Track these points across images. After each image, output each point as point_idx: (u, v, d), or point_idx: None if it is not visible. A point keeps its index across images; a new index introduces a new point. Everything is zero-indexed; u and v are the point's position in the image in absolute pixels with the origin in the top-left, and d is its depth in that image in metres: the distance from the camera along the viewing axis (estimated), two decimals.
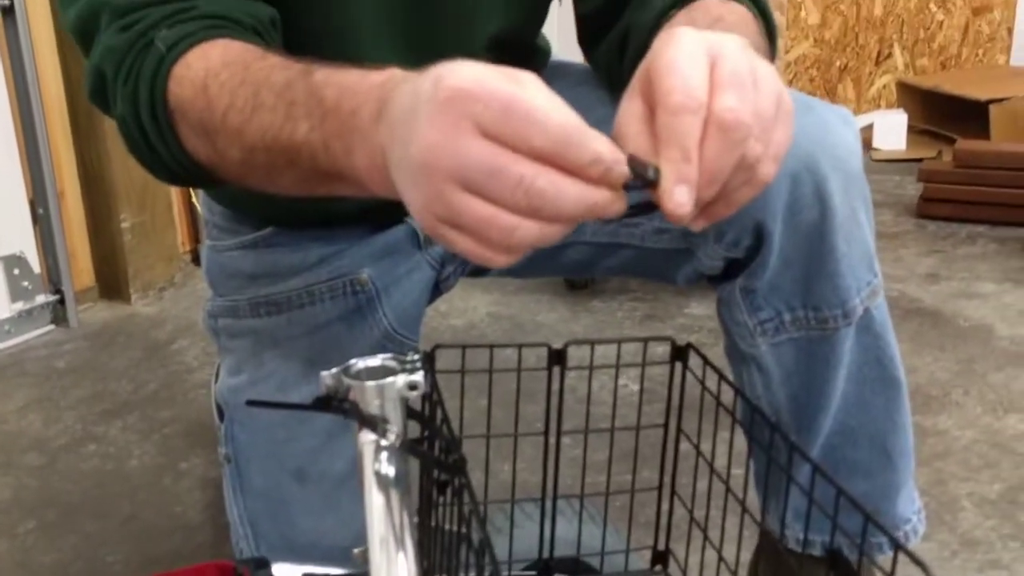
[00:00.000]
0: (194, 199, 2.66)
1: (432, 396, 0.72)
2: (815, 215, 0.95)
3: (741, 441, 0.91)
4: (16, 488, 1.67)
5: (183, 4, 0.81)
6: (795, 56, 3.87)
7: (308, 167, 0.71)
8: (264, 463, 1.10)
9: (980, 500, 1.56)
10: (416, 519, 0.68)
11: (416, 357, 0.69)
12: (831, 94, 4.00)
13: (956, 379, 1.98)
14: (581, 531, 0.97)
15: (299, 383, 1.08)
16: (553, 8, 1.12)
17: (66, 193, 2.40)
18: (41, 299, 2.34)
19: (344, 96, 0.67)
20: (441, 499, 0.69)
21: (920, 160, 3.34)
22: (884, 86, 4.25)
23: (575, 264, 1.12)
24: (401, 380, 0.66)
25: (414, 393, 0.67)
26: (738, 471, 0.89)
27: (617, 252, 1.09)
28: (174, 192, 2.61)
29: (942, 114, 3.85)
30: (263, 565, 0.85)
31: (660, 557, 0.95)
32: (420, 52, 0.72)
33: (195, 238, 2.73)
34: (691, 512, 0.90)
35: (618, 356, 0.91)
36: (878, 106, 4.23)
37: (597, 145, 0.56)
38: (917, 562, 0.53)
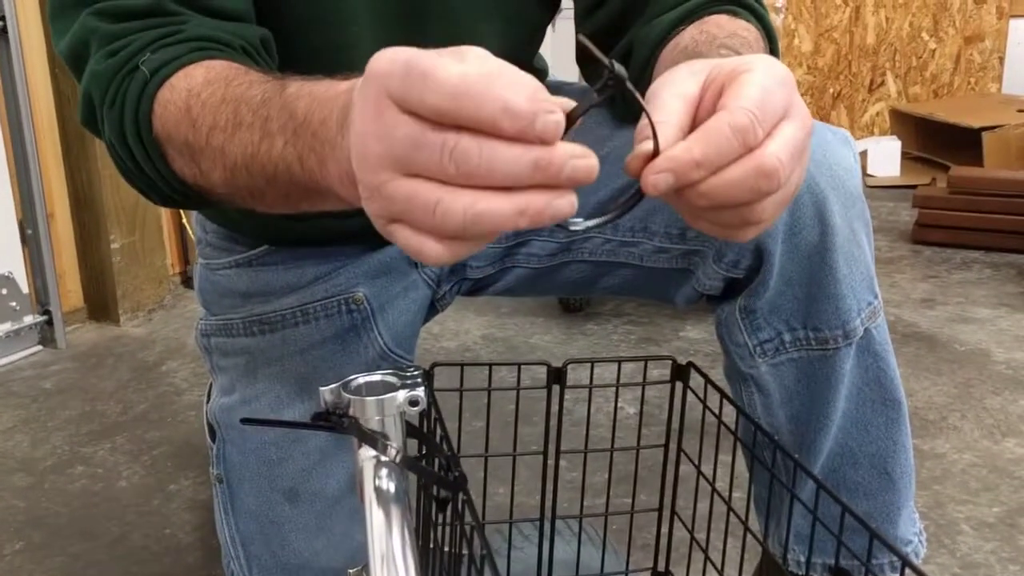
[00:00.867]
0: (184, 221, 2.65)
1: (431, 413, 0.71)
2: (815, 235, 0.94)
3: (740, 463, 0.90)
4: (3, 509, 1.65)
5: (169, 28, 0.80)
6: None
7: (287, 183, 0.69)
8: (256, 483, 1.08)
9: (979, 523, 1.55)
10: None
11: (416, 372, 0.68)
12: (824, 121, 4.01)
13: (953, 403, 1.97)
14: (580, 552, 0.96)
15: (293, 402, 1.07)
16: (548, 29, 1.11)
17: (56, 214, 2.39)
18: (29, 320, 2.32)
19: (313, 107, 0.65)
20: (440, 517, 0.68)
21: (914, 187, 3.35)
22: (877, 113, 4.27)
23: (573, 283, 1.11)
24: (402, 396, 0.65)
25: (414, 409, 0.66)
26: (738, 494, 0.88)
27: (616, 271, 1.08)
28: (164, 214, 2.61)
29: (935, 142, 3.87)
30: None
31: None
32: None
33: (185, 260, 2.72)
34: (692, 533, 0.89)
35: (618, 374, 0.90)
36: (871, 133, 4.26)
37: (507, 94, 0.49)
38: None
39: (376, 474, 0.63)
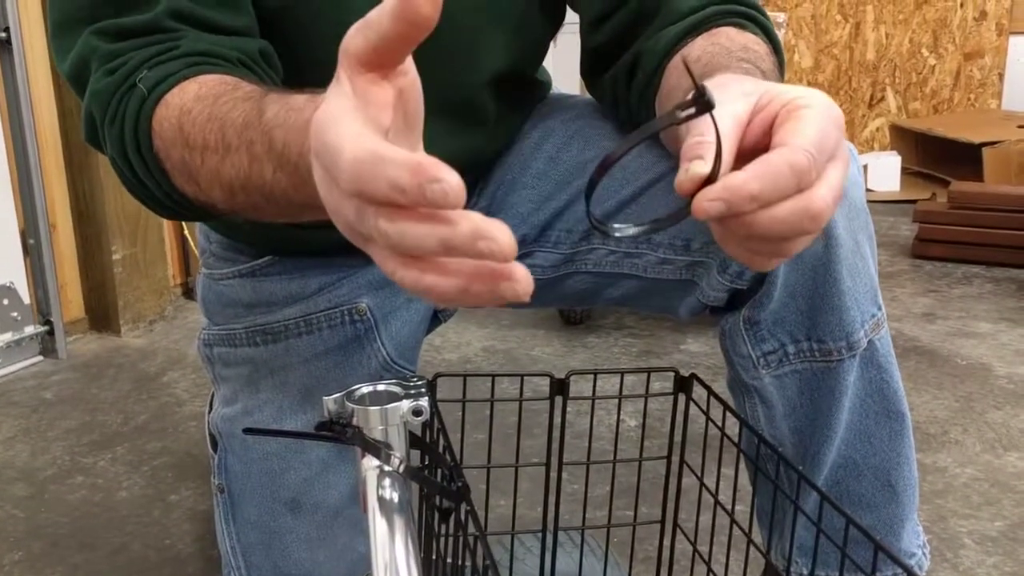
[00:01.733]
0: (186, 232, 2.65)
1: (433, 424, 0.71)
2: (819, 247, 0.94)
3: (743, 475, 0.90)
4: (2, 519, 1.65)
5: (167, 44, 0.81)
6: None
7: (285, 203, 0.70)
8: (258, 493, 1.08)
9: (981, 537, 1.54)
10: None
11: (420, 382, 0.68)
12: None
13: (955, 417, 1.97)
14: (582, 564, 0.96)
15: (295, 412, 1.07)
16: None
17: (58, 224, 2.39)
18: (30, 330, 2.32)
19: (289, 138, 0.64)
20: (443, 528, 0.68)
21: (914, 202, 3.35)
22: (877, 129, 4.28)
23: (577, 294, 1.11)
24: (405, 405, 0.65)
25: (418, 419, 0.66)
26: (740, 507, 0.87)
27: (620, 282, 1.08)
28: (166, 225, 2.60)
29: (935, 157, 3.87)
30: None
31: None
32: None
33: (186, 271, 2.72)
34: (694, 545, 0.89)
35: (621, 386, 0.90)
36: (871, 148, 4.26)
37: (391, 172, 0.46)
38: None
39: (379, 484, 0.63)
